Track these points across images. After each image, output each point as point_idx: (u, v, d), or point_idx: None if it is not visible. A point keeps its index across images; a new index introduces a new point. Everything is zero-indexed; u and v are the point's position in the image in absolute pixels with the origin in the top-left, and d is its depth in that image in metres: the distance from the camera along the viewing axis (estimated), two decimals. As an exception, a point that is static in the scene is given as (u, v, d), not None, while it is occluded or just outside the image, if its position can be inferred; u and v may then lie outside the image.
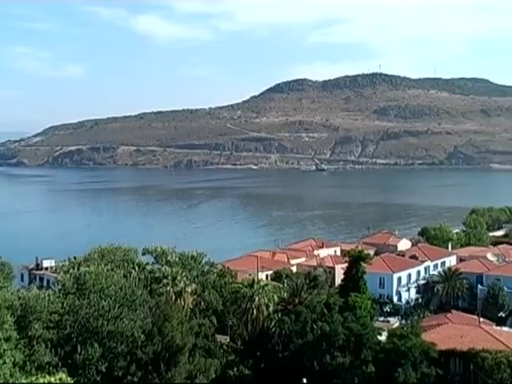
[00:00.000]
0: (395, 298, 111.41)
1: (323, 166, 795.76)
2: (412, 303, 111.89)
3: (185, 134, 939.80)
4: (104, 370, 56.16)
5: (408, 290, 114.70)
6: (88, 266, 68.18)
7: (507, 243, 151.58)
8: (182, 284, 75.90)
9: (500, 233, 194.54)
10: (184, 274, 78.63)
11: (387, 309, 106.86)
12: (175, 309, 62.85)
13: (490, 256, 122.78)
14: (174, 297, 73.74)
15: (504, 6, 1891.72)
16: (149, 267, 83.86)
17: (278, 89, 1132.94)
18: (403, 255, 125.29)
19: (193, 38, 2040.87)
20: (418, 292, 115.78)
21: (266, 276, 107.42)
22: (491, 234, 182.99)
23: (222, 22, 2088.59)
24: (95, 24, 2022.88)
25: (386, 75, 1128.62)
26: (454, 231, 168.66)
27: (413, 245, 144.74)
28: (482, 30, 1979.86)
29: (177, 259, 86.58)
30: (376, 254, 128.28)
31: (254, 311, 74.49)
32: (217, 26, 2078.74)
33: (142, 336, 58.27)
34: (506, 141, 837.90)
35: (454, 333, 70.33)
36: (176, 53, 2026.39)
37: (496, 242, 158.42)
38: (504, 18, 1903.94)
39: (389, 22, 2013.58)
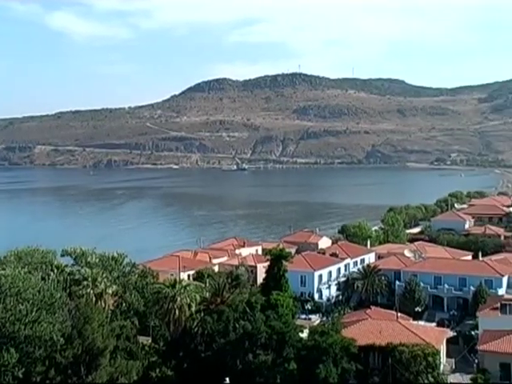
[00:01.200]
0: (316, 296, 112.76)
1: (244, 165, 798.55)
2: (333, 300, 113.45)
3: (104, 134, 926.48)
4: (21, 375, 54.64)
5: (329, 287, 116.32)
6: (4, 269, 66.11)
7: (423, 240, 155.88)
8: (102, 286, 74.59)
9: (416, 230, 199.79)
10: (104, 275, 77.24)
11: (308, 306, 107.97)
12: (96, 311, 61.69)
13: (407, 253, 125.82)
14: (94, 299, 72.39)
15: (418, 8, 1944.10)
16: (68, 269, 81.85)
17: (198, 88, 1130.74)
18: (324, 253, 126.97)
19: (112, 36, 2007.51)
20: (338, 289, 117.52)
21: (188, 276, 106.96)
22: (408, 231, 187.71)
23: (141, 20, 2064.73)
24: (9, 19, 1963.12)
25: (305, 75, 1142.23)
26: (373, 229, 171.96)
27: (333, 243, 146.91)
28: (397, 31, 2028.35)
29: (97, 260, 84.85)
30: (297, 252, 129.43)
31: (176, 311, 73.99)
32: (136, 24, 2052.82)
33: (62, 339, 57.00)
34: (421, 140, 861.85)
35: (373, 328, 71.78)
36: (94, 51, 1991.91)
37: (413, 239, 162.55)
38: (418, 21, 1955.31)
39: (308, 22, 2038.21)
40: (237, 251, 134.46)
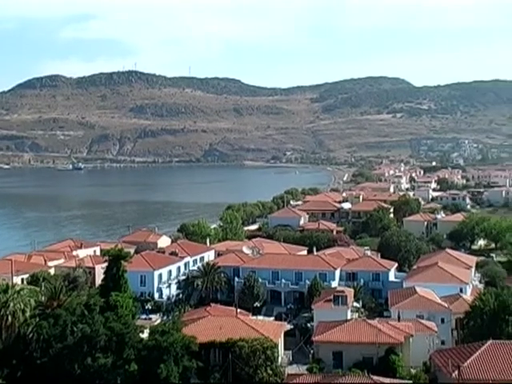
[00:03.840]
0: (156, 295, 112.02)
1: (80, 164, 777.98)
2: (173, 299, 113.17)
3: None
4: None
5: (169, 286, 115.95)
6: None
7: (261, 236, 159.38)
8: None
9: (254, 227, 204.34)
10: None
11: (149, 306, 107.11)
12: None
13: (245, 249, 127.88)
14: None
15: (253, 9, 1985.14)
16: None
17: (29, 85, 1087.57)
18: (163, 252, 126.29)
19: None
20: (178, 288, 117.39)
21: (22, 280, 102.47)
22: (246, 228, 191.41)
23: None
24: None
25: (142, 73, 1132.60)
26: (212, 227, 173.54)
27: (173, 241, 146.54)
28: (232, 31, 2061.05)
29: None
30: (136, 252, 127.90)
31: (9, 318, 70.65)
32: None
33: None
34: (257, 139, 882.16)
35: (214, 325, 72.43)
36: None
37: (251, 236, 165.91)
38: (253, 21, 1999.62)
39: (142, 20, 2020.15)
40: (74, 253, 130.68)
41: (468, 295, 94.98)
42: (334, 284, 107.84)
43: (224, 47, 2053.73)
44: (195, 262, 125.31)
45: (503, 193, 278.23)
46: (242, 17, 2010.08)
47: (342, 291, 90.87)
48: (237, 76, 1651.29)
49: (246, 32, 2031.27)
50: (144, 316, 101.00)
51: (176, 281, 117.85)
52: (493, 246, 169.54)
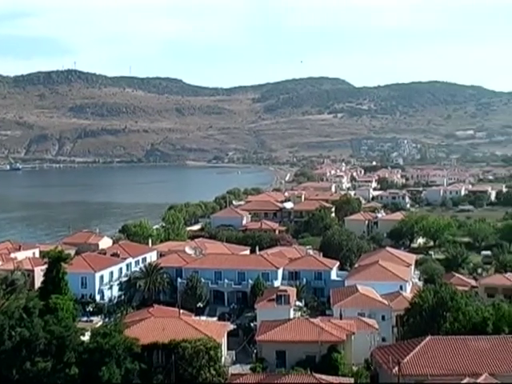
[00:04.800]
0: (98, 297, 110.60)
1: (18, 165, 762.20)
2: (115, 301, 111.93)
3: None
4: None
5: (111, 287, 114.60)
6: None
7: (203, 237, 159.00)
8: None
9: (197, 227, 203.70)
10: None
11: (90, 308, 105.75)
12: None
13: (188, 250, 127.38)
14: None
15: (193, 8, 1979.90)
16: None
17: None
18: (105, 253, 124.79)
19: None
20: (120, 289, 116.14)
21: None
22: (189, 228, 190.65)
23: None
24: None
25: (81, 72, 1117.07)
26: (154, 227, 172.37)
27: (114, 242, 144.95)
28: (173, 31, 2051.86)
29: None
30: (77, 253, 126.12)
31: None
32: None
33: None
34: (199, 138, 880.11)
35: (156, 326, 71.93)
36: None
37: (193, 236, 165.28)
38: (193, 20, 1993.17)
39: (80, 18, 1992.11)
40: (12, 255, 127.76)
41: (408, 292, 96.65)
42: (277, 283, 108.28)
43: (164, 46, 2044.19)
44: (137, 262, 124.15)
45: (441, 192, 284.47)
46: (182, 16, 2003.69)
47: (285, 290, 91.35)
48: (178, 76, 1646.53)
49: (187, 31, 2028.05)
50: (85, 318, 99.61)
51: (118, 282, 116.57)
52: (431, 243, 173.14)
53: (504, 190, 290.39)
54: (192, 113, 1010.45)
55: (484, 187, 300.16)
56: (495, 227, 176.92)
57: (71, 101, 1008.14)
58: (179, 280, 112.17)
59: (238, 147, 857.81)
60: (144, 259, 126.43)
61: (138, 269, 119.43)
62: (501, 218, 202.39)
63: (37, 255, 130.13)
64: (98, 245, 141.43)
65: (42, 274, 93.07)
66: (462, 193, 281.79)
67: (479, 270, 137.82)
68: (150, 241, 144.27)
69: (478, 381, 49.71)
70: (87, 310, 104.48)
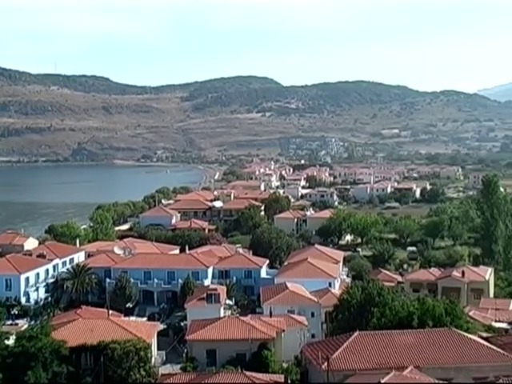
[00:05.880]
0: (23, 299, 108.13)
1: None
2: (41, 303, 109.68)
3: None
4: None
5: (37, 289, 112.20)
6: None
7: (132, 236, 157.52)
8: None
9: (125, 227, 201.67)
10: None
11: (15, 311, 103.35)
12: None
13: (116, 250, 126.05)
14: None
15: (119, 7, 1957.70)
16: None
17: None
18: (30, 255, 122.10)
19: None
20: (47, 291, 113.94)
21: None
22: (117, 228, 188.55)
23: None
24: None
25: (4, 69, 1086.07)
26: (82, 227, 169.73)
27: (40, 243, 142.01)
28: (99, 29, 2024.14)
29: None
30: (1, 255, 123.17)
31: None
32: None
33: None
34: (127, 137, 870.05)
35: (85, 328, 70.87)
36: None
37: (122, 236, 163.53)
38: (121, 19, 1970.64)
39: (1, 13, 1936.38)
40: None
41: (336, 289, 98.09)
42: (207, 282, 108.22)
43: (90, 44, 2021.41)
44: (65, 263, 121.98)
45: (368, 189, 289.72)
46: (109, 13, 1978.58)
47: (215, 289, 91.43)
48: (105, 74, 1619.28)
49: (114, 29, 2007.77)
50: (10, 322, 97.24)
51: (44, 284, 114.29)
52: (359, 240, 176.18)
53: (428, 187, 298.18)
54: (120, 111, 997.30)
55: (409, 185, 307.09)
56: (420, 224, 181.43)
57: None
58: (108, 280, 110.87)
59: (167, 146, 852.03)
60: (71, 260, 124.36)
61: (65, 270, 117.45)
62: (425, 214, 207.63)
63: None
64: (23, 246, 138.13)
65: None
66: (388, 190, 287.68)
67: (405, 266, 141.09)
68: (77, 241, 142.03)
69: (404, 373, 50.80)
70: (12, 313, 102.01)
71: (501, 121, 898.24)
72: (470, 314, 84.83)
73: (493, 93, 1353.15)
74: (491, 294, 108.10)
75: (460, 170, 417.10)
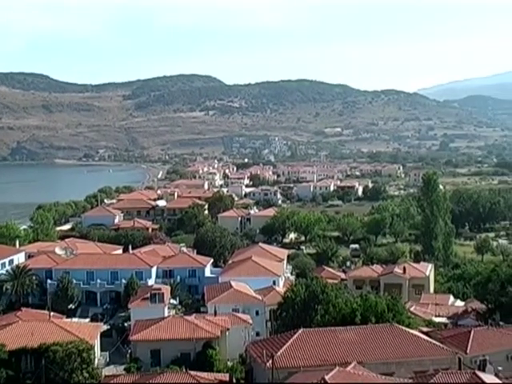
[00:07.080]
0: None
1: None
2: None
3: None
4: None
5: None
6: None
7: (74, 236, 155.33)
8: None
9: (67, 227, 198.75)
10: None
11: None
12: None
13: (58, 250, 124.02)
14: None
15: (59, 4, 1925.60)
16: None
17: None
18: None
19: None
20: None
21: None
22: (58, 228, 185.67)
23: None
24: None
25: None
26: (22, 228, 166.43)
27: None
28: (39, 26, 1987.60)
29: None
30: None
31: None
32: None
33: None
34: (68, 136, 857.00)
35: (25, 331, 69.52)
36: None
37: (63, 236, 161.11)
38: (61, 16, 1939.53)
39: None
40: None
41: (281, 287, 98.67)
42: (151, 282, 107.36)
43: (28, 41, 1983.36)
44: (3, 265, 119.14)
45: (311, 187, 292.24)
46: (49, 10, 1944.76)
47: (159, 289, 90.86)
48: (45, 71, 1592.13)
49: (53, 26, 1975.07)
50: None
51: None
52: (303, 238, 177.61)
53: (370, 185, 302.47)
54: (60, 110, 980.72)
55: (351, 183, 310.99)
56: (362, 221, 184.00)
57: None
58: (49, 281, 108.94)
59: (109, 145, 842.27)
60: (11, 261, 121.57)
61: (4, 271, 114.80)
62: (367, 212, 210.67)
63: None
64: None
65: None
66: (331, 188, 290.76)
67: (348, 263, 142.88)
68: (17, 242, 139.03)
69: (347, 369, 51.39)
70: None
71: (440, 119, 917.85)
72: (412, 309, 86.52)
73: (432, 92, 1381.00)
74: (431, 290, 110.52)
75: (401, 168, 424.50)
